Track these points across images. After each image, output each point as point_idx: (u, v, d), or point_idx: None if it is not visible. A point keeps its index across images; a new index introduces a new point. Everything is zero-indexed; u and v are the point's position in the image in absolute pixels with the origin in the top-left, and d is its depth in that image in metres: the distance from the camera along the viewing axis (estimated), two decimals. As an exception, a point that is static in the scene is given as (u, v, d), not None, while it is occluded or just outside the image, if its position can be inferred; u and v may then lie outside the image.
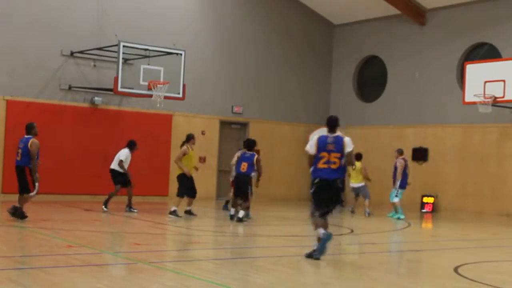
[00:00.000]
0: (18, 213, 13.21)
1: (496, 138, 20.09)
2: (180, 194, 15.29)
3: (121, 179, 16.18)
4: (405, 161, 17.82)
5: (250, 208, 15.29)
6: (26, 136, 13.34)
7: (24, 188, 13.19)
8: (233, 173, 15.60)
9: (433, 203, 20.67)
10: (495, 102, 18.26)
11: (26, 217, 13.23)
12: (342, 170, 9.65)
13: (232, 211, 15.11)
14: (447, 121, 21.25)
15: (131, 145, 16.53)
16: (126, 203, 16.27)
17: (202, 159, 21.24)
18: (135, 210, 16.07)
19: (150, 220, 14.76)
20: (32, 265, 8.31)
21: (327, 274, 8.98)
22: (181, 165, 15.29)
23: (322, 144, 9.61)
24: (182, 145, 15.72)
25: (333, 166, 9.54)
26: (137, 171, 19.89)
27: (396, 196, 17.55)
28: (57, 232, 11.92)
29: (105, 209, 15.91)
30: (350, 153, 9.59)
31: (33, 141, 13.10)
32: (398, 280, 8.70)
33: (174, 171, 17.01)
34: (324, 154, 9.57)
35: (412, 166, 21.49)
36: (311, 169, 9.73)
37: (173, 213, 15.01)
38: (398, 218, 17.24)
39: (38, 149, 13.11)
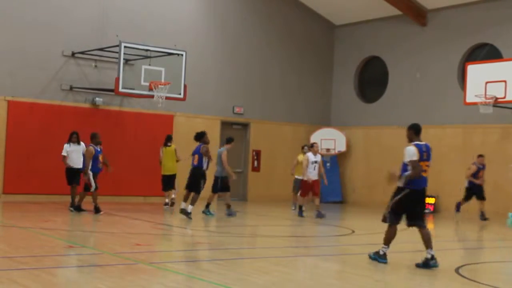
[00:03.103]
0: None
1: (497, 139, 20.08)
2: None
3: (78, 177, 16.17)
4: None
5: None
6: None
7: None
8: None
9: (434, 204, 20.65)
10: (496, 103, 18.25)
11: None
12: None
13: (183, 204, 15.31)
14: (448, 122, 21.24)
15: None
16: (74, 202, 16.09)
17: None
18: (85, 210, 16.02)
19: (151, 220, 14.77)
20: (33, 266, 8.31)
21: (328, 274, 8.99)
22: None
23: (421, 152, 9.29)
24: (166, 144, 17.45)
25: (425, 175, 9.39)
26: (137, 171, 19.98)
27: None
28: (58, 233, 11.94)
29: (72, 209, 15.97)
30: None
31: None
32: (399, 280, 8.70)
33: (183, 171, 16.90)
34: (422, 163, 9.31)
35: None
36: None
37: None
38: None
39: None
